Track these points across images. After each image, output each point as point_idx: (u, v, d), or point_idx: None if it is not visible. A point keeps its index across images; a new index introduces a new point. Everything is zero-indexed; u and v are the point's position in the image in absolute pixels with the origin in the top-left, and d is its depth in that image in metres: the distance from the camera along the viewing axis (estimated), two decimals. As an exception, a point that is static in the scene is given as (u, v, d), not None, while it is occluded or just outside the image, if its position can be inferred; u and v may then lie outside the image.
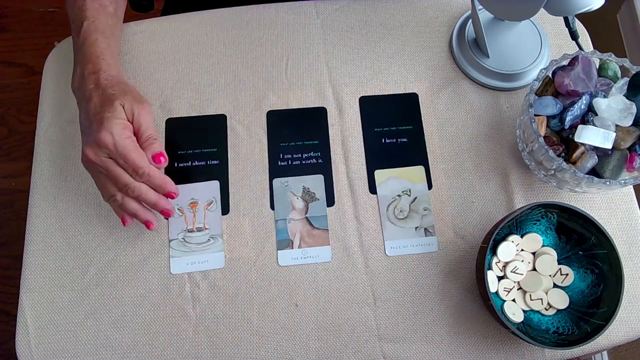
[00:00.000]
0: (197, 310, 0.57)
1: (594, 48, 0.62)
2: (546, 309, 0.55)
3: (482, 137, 0.64)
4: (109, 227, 0.59)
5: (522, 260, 0.56)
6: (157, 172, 0.53)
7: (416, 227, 0.60)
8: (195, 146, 0.63)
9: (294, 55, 0.67)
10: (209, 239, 0.59)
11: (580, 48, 0.58)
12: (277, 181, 0.61)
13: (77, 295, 0.57)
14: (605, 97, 0.55)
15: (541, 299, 0.55)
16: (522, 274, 0.55)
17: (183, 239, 0.59)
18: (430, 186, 0.62)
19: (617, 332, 0.56)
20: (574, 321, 0.54)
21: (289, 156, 0.63)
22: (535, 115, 0.55)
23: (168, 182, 0.55)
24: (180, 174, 0.61)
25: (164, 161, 0.54)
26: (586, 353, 0.56)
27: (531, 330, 0.54)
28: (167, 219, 0.59)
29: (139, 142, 0.53)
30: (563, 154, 0.55)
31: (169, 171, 0.61)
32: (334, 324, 0.57)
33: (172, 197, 0.56)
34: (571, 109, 0.54)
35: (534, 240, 0.57)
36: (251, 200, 0.61)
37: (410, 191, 0.61)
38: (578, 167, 0.53)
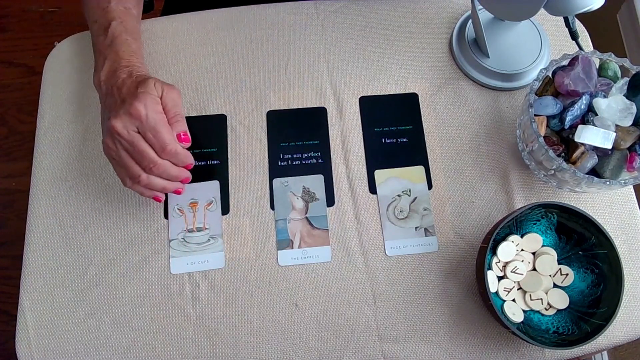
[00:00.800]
0: (197, 310, 0.57)
1: (594, 48, 0.62)
2: (546, 309, 0.55)
3: (482, 137, 0.64)
4: (109, 227, 0.59)
5: (522, 260, 0.56)
6: (182, 149, 0.54)
7: (416, 227, 0.60)
8: (195, 146, 0.62)
9: (294, 55, 0.67)
10: (209, 239, 0.59)
11: (580, 48, 0.58)
12: (277, 181, 0.61)
13: (77, 295, 0.57)
14: (605, 97, 0.55)
15: (541, 299, 0.55)
16: (522, 274, 0.55)
17: (183, 239, 0.59)
18: (430, 186, 0.62)
19: (617, 332, 0.56)
20: (574, 321, 0.54)
21: (289, 156, 0.63)
22: (535, 115, 0.55)
23: (189, 156, 0.55)
24: (180, 174, 0.61)
25: (188, 141, 0.55)
26: (586, 353, 0.56)
27: (531, 330, 0.54)
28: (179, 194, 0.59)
29: (167, 120, 0.54)
30: (563, 154, 0.55)
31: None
32: (334, 324, 0.57)
33: (190, 168, 0.56)
34: (571, 109, 0.54)
35: (534, 240, 0.57)
36: (251, 200, 0.61)
37: (410, 191, 0.61)
38: (578, 167, 0.53)
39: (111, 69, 0.56)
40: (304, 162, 0.62)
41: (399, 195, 0.61)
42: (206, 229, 0.59)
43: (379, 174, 0.62)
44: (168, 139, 0.52)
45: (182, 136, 0.54)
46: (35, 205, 0.60)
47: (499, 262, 0.55)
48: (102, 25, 0.59)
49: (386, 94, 0.66)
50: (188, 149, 0.55)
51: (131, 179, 0.54)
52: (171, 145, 0.52)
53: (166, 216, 0.60)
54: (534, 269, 0.56)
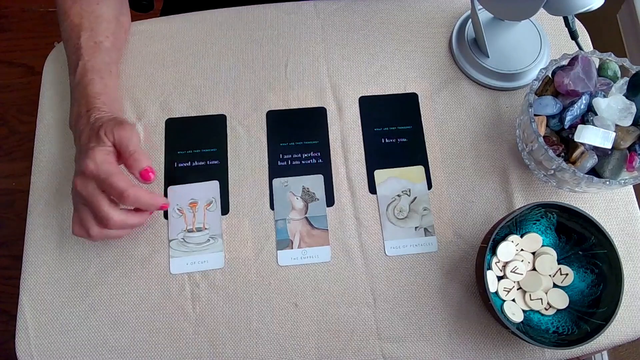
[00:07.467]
0: (197, 310, 0.57)
1: (594, 48, 0.62)
2: (546, 309, 0.55)
3: (482, 137, 0.64)
4: (109, 227, 0.59)
5: (522, 260, 0.56)
6: (144, 192, 0.52)
7: (416, 227, 0.60)
8: (195, 146, 0.63)
9: (294, 55, 0.67)
10: (208, 239, 0.59)
11: (580, 48, 0.58)
12: (277, 181, 0.61)
13: (77, 295, 0.57)
14: (605, 96, 0.55)
15: (541, 299, 0.55)
16: (522, 274, 0.55)
17: (183, 239, 0.59)
18: (430, 186, 0.62)
19: (617, 332, 0.56)
20: (573, 321, 0.54)
21: (289, 156, 0.63)
22: (535, 115, 0.55)
23: (158, 198, 0.55)
24: (180, 174, 0.61)
25: (153, 176, 0.53)
26: (586, 353, 0.56)
27: (531, 330, 0.54)
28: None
29: (125, 161, 0.53)
30: (563, 154, 0.55)
31: (169, 171, 0.61)
32: (334, 324, 0.57)
33: (165, 208, 0.56)
34: (571, 108, 0.54)
35: (533, 240, 0.57)
36: (251, 200, 0.61)
37: (410, 191, 0.61)
38: (578, 167, 0.53)
39: (77, 114, 0.57)
40: (303, 162, 0.62)
41: (398, 195, 0.61)
42: (206, 229, 0.59)
43: (379, 174, 0.62)
44: (123, 185, 0.50)
45: (149, 174, 0.52)
46: (35, 205, 0.60)
47: (498, 262, 0.55)
48: (72, 64, 0.59)
49: (386, 94, 0.66)
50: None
51: (84, 229, 0.53)
52: (128, 191, 0.50)
53: (166, 216, 0.60)
54: (534, 269, 0.56)
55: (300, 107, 0.65)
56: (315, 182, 0.62)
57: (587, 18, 0.62)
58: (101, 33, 0.60)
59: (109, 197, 0.52)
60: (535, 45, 0.66)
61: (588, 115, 0.54)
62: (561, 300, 0.55)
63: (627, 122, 0.53)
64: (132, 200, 0.51)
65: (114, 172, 0.51)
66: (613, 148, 0.53)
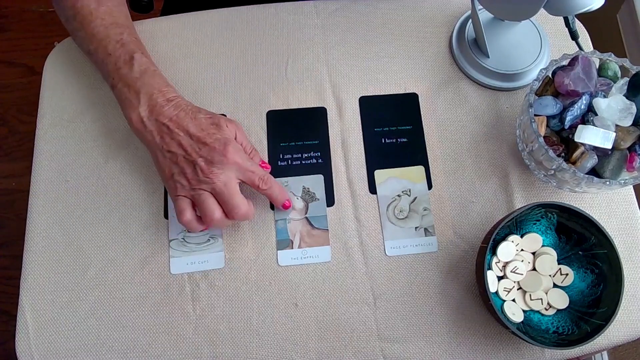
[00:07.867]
0: (197, 310, 0.57)
1: (594, 48, 0.62)
2: (546, 309, 0.55)
3: (482, 137, 0.64)
4: (109, 227, 0.59)
5: (522, 260, 0.56)
6: (277, 182, 0.57)
7: (416, 227, 0.60)
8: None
9: (294, 55, 0.67)
10: (208, 239, 0.59)
11: (580, 48, 0.58)
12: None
13: (77, 295, 0.57)
14: (605, 97, 0.55)
15: (541, 299, 0.55)
16: (522, 274, 0.55)
17: (183, 239, 0.59)
18: (430, 186, 0.62)
19: (617, 332, 0.56)
20: (574, 321, 0.54)
21: (289, 156, 0.63)
22: (535, 115, 0.55)
23: (286, 192, 0.58)
24: (180, 174, 0.61)
25: (269, 168, 0.60)
26: (586, 353, 0.56)
27: (531, 330, 0.54)
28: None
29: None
30: (563, 154, 0.55)
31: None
32: (334, 324, 0.57)
33: (288, 207, 0.59)
34: (571, 109, 0.54)
35: (533, 240, 0.57)
36: (251, 200, 0.61)
37: (410, 191, 0.61)
38: (578, 167, 0.53)
39: (152, 104, 0.55)
40: (304, 162, 0.62)
41: (398, 195, 0.61)
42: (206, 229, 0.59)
43: (379, 174, 0.62)
44: (264, 172, 0.55)
45: (262, 164, 0.59)
46: (35, 205, 0.60)
47: (498, 262, 0.55)
48: (122, 58, 0.57)
49: (386, 94, 0.66)
50: None
51: (204, 215, 0.53)
52: (267, 176, 0.55)
53: (166, 216, 0.60)
54: (534, 269, 0.56)
55: (301, 107, 0.65)
56: (315, 182, 0.62)
57: (587, 18, 0.62)
58: (134, 31, 0.61)
59: None
60: (536, 45, 0.66)
61: (588, 116, 0.54)
62: (561, 300, 0.55)
63: (627, 122, 0.53)
64: (269, 185, 0.55)
65: (255, 163, 0.55)
66: (613, 148, 0.53)
